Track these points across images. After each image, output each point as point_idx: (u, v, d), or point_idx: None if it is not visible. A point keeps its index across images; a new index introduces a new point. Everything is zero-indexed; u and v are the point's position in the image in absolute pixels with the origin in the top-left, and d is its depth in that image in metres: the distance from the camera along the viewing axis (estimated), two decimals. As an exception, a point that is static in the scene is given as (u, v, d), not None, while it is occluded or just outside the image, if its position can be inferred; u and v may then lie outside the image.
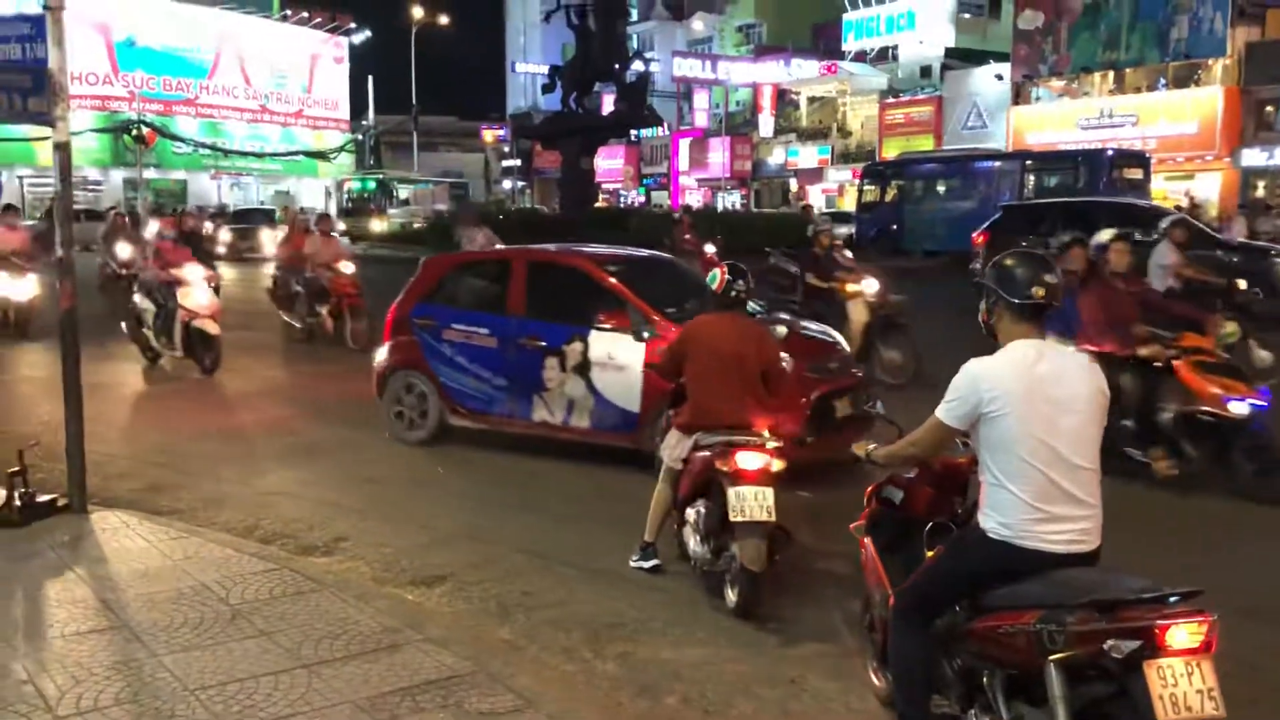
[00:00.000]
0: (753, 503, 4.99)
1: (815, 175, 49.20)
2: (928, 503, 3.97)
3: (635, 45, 50.90)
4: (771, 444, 5.29)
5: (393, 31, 75.26)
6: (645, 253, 9.57)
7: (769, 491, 5.05)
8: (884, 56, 48.90)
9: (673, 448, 5.55)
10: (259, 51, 56.94)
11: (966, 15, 47.58)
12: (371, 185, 47.61)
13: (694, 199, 52.47)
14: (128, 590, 5.10)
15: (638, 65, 34.83)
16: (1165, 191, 31.41)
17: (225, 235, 32.77)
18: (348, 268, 14.09)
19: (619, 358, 7.51)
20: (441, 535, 6.37)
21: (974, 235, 18.07)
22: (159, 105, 50.81)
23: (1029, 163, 28.18)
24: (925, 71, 46.64)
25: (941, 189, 29.39)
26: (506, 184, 67.52)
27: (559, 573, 5.71)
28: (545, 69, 38.54)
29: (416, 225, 39.08)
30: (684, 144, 55.08)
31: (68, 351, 6.31)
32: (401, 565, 5.81)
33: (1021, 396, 3.31)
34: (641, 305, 7.65)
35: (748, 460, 5.08)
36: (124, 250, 16.08)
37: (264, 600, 4.97)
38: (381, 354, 8.85)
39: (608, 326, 7.59)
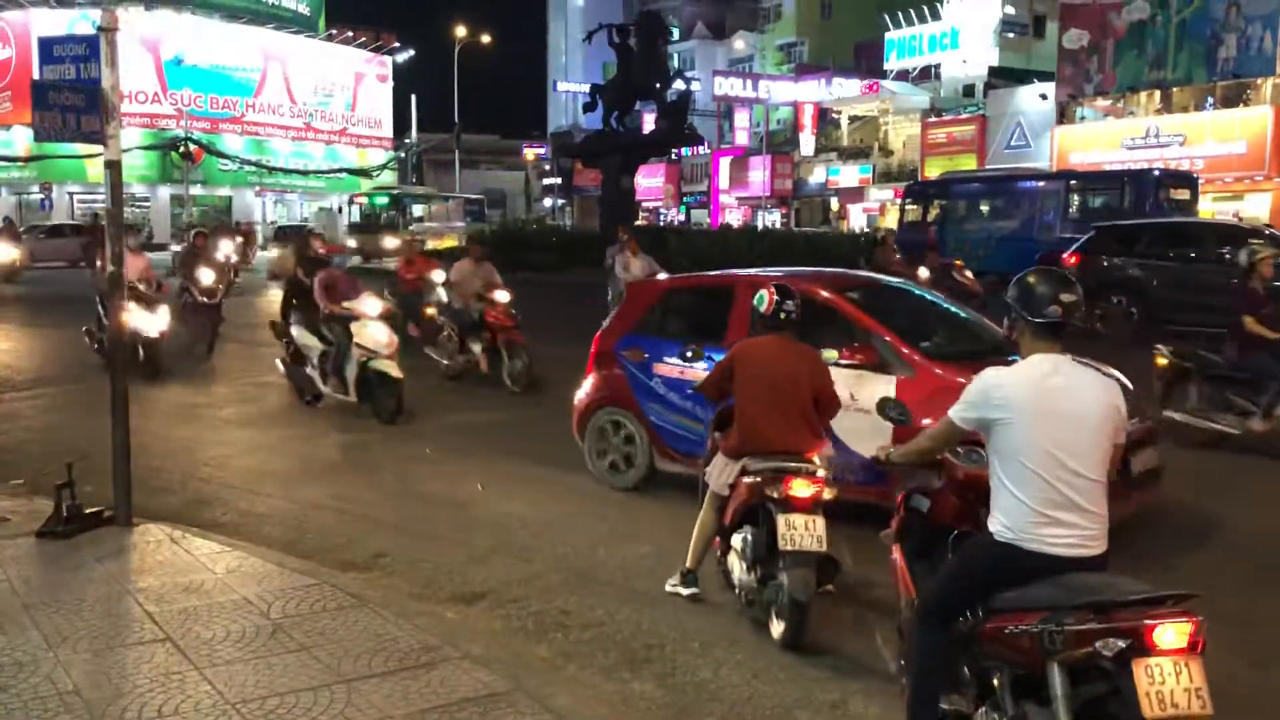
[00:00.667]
0: (803, 532, 4.88)
1: (856, 194, 49.04)
2: (953, 512, 4.04)
3: (676, 64, 51.00)
4: (822, 471, 5.18)
5: (436, 51, 76.31)
6: (887, 279, 8.68)
7: (820, 520, 4.95)
8: (926, 75, 48.76)
9: (719, 473, 5.42)
10: (304, 70, 57.77)
11: (1010, 34, 47.35)
12: (384, 201, 45.01)
13: (734, 217, 52.45)
14: (171, 603, 5.14)
15: (679, 84, 34.94)
16: (1214, 212, 31.00)
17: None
18: (503, 296, 12.35)
19: (864, 400, 6.27)
20: (480, 552, 6.37)
21: (1065, 256, 17.63)
22: (206, 123, 51.60)
23: (1073, 183, 27.83)
24: (968, 91, 46.43)
25: (984, 209, 29.13)
26: (547, 202, 67.90)
27: (598, 592, 5.69)
28: (586, 88, 38.76)
29: (433, 244, 37.30)
30: (724, 162, 55.11)
31: (115, 365, 6.40)
32: (440, 582, 5.82)
33: (1030, 408, 3.45)
34: (893, 338, 6.70)
35: (799, 488, 4.96)
36: (206, 276, 14.74)
37: (304, 615, 4.99)
38: (583, 389, 8.06)
39: (851, 363, 6.59)
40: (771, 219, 51.63)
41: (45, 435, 9.57)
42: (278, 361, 11.41)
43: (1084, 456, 3.45)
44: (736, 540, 5.35)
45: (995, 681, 3.52)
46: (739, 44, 60.63)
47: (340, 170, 56.32)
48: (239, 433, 9.93)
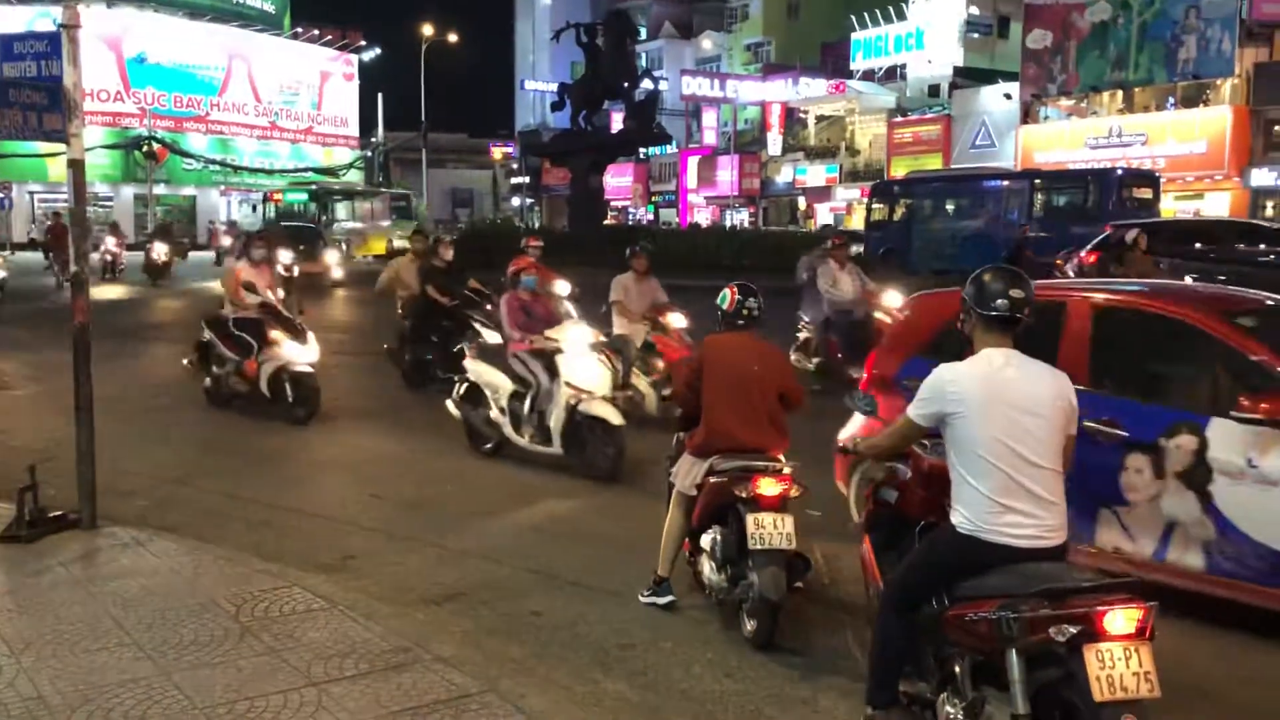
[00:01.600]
0: (771, 530, 4.88)
1: (823, 194, 49.25)
2: (920, 503, 4.11)
3: (644, 63, 50.97)
4: (788, 469, 5.15)
5: (403, 49, 75.87)
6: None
7: (789, 518, 4.95)
8: (892, 75, 49.02)
9: (686, 473, 5.36)
10: (269, 68, 57.34)
11: (975, 35, 47.66)
12: (303, 197, 41.73)
13: (702, 217, 52.55)
14: (137, 607, 5.08)
15: (647, 83, 34.92)
16: (1174, 211, 31.37)
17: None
18: (678, 321, 10.36)
19: (1269, 466, 4.87)
20: (451, 554, 6.35)
21: (1083, 254, 17.56)
22: (170, 122, 51.14)
23: (1038, 182, 28.14)
24: (934, 90, 46.71)
25: (950, 208, 29.36)
26: (515, 201, 67.73)
27: (569, 592, 5.69)
28: (555, 87, 38.64)
29: (361, 254, 34.63)
30: (693, 162, 55.22)
31: (79, 366, 6.32)
32: (411, 583, 5.79)
33: (983, 400, 3.56)
34: None
35: (767, 486, 4.95)
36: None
37: (273, 618, 4.95)
38: (852, 426, 6.61)
39: (1252, 415, 4.95)
40: (739, 218, 51.77)
41: (6, 437, 9.44)
42: (449, 404, 9.11)
43: (1038, 446, 3.55)
44: (706, 540, 5.32)
45: (956, 668, 3.62)
46: (706, 44, 60.70)
47: (306, 169, 55.91)
48: (206, 434, 9.83)
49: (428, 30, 55.23)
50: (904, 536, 4.14)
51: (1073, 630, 3.20)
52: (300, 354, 10.14)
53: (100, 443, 6.45)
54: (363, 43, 63.13)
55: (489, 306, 11.46)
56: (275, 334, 10.08)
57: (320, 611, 5.04)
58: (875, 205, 31.58)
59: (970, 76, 44.65)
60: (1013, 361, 3.63)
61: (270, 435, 9.81)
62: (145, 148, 44.23)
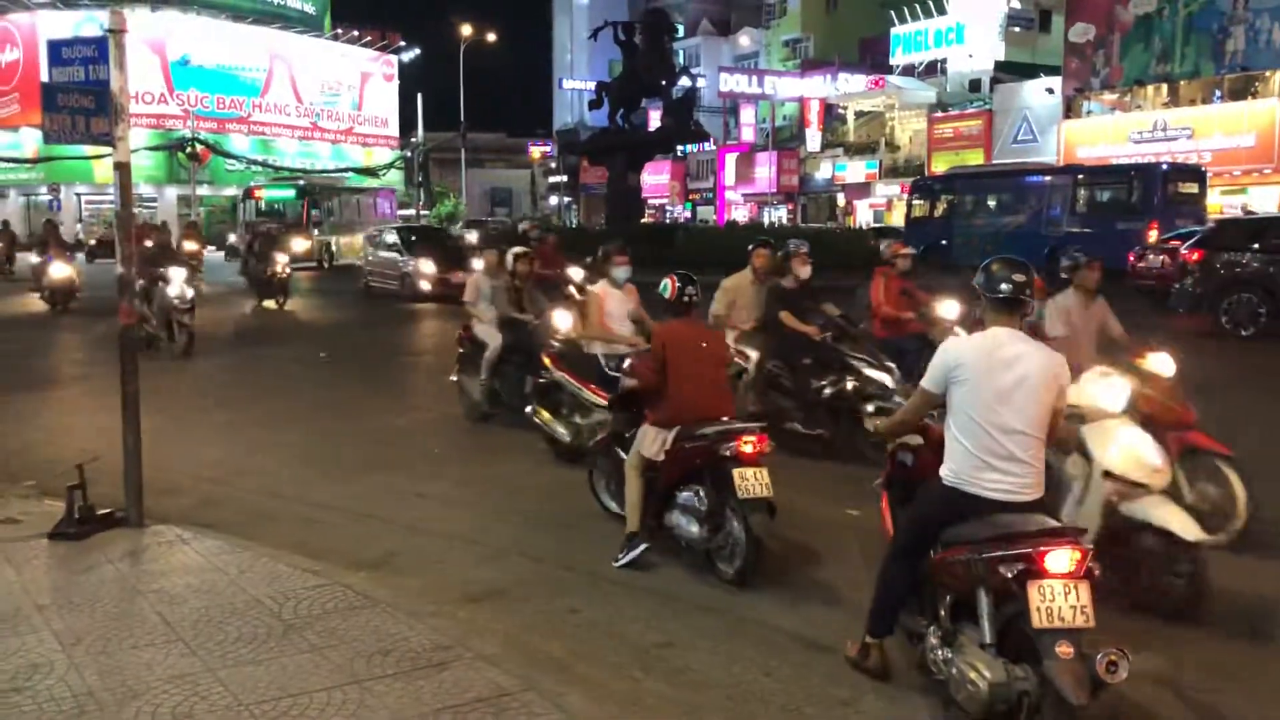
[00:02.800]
0: (753, 481, 5.61)
1: (863, 190, 48.98)
2: (931, 466, 4.48)
3: (682, 61, 51.01)
4: (758, 427, 5.87)
5: (442, 49, 76.17)
6: None
7: (765, 471, 5.69)
8: (932, 70, 48.65)
9: (652, 441, 5.98)
10: (310, 69, 57.87)
11: (1016, 29, 47.23)
12: (289, 195, 38.97)
13: (740, 214, 52.43)
14: (183, 604, 5.16)
15: (684, 81, 34.94)
16: (1221, 206, 30.92)
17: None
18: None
19: None
20: (490, 552, 6.39)
21: (1184, 251, 17.17)
22: (213, 123, 51.73)
23: (1081, 177, 27.82)
24: (974, 85, 46.31)
25: (992, 204, 29.10)
26: (553, 200, 67.94)
27: (607, 590, 5.70)
28: (592, 85, 38.76)
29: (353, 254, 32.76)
30: (730, 159, 55.11)
31: (126, 366, 6.42)
32: (451, 581, 5.83)
33: (980, 369, 4.09)
34: None
35: (748, 445, 5.67)
36: (564, 320, 9.05)
37: (316, 615, 5.01)
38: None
39: None
40: (778, 215, 51.62)
41: (56, 437, 9.60)
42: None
43: (1023, 414, 4.06)
44: (684, 497, 5.95)
45: (941, 606, 4.19)
46: (744, 40, 60.57)
47: (347, 170, 56.38)
48: (248, 433, 9.95)
49: (466, 30, 55.52)
50: (917, 494, 4.58)
51: (1019, 567, 3.73)
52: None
53: (146, 441, 6.55)
54: (402, 43, 63.68)
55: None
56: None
57: (362, 609, 5.09)
58: (916, 201, 31.37)
59: (1012, 71, 44.22)
60: (1014, 339, 4.14)
61: (312, 435, 9.90)
62: (189, 149, 44.77)
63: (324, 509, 7.30)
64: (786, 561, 5.98)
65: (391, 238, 25.33)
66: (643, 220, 37.05)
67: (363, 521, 7.01)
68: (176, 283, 14.87)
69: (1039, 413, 4.07)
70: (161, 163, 49.55)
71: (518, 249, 10.26)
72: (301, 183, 42.17)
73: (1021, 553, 3.75)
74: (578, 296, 10.45)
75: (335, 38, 61.15)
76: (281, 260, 22.37)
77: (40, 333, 18.47)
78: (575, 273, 13.72)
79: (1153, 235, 23.18)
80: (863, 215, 47.83)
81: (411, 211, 52.55)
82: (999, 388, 4.05)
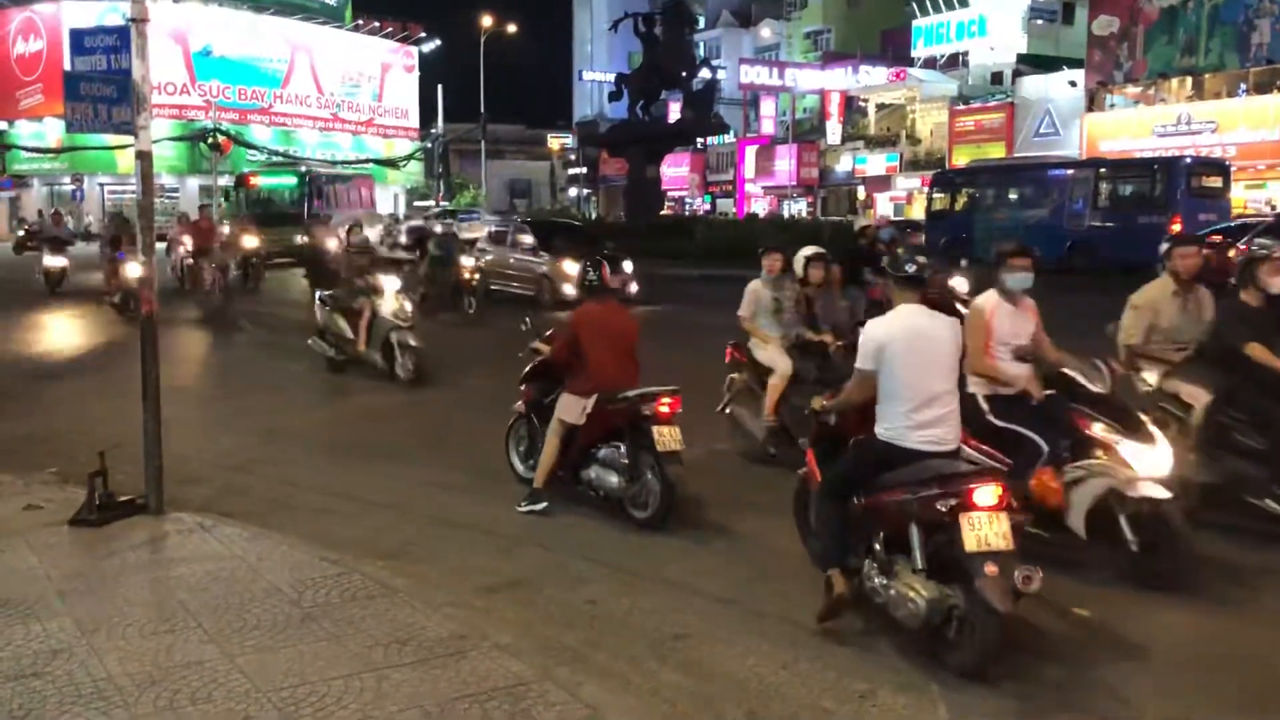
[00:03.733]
0: (668, 438, 6.50)
1: (883, 183, 48.79)
2: (853, 425, 5.20)
3: (702, 53, 50.90)
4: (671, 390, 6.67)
5: (462, 41, 76.25)
6: None
7: (678, 429, 6.58)
8: (954, 63, 48.41)
9: (573, 407, 6.82)
10: (331, 61, 58.04)
11: (1039, 21, 46.94)
12: (292, 182, 34.93)
13: (760, 207, 52.30)
14: (202, 591, 5.18)
15: (704, 73, 34.90)
16: (1245, 200, 30.65)
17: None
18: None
19: None
20: (508, 541, 6.39)
21: (1241, 245, 16.71)
22: (234, 114, 51.91)
23: (1103, 170, 27.62)
24: (996, 78, 46.06)
25: (1013, 197, 28.93)
26: (572, 192, 67.94)
27: (623, 582, 5.70)
28: (612, 77, 38.66)
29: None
30: (750, 151, 54.98)
31: (147, 355, 6.45)
32: (468, 571, 5.84)
33: (902, 342, 4.82)
34: None
35: (665, 405, 6.57)
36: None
37: (334, 604, 5.02)
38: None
39: None
40: (797, 208, 51.48)
41: (77, 424, 9.66)
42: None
43: (939, 374, 4.86)
44: (604, 453, 6.84)
45: (875, 542, 4.90)
46: (765, 32, 60.39)
47: (367, 161, 56.54)
48: (265, 420, 9.99)
49: (487, 22, 55.57)
50: (839, 449, 5.28)
51: (953, 502, 4.47)
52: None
53: (166, 429, 6.58)
54: (423, 34, 63.71)
55: None
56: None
57: (380, 598, 5.10)
58: (936, 195, 31.22)
59: (1034, 64, 43.96)
60: (920, 313, 4.92)
61: (331, 425, 9.94)
62: (210, 139, 44.87)
63: (342, 498, 7.31)
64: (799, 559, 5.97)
65: (527, 236, 20.84)
66: (662, 213, 36.93)
67: (381, 511, 7.03)
68: (390, 295, 11.91)
69: (951, 371, 4.93)
70: (183, 153, 49.78)
71: (810, 249, 8.54)
72: (303, 169, 39.03)
73: (953, 490, 4.51)
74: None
75: (356, 29, 61.30)
76: (468, 264, 18.38)
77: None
78: (959, 283, 10.38)
79: (1176, 229, 23.01)
80: (883, 208, 47.63)
81: (431, 202, 52.66)
82: (918, 354, 4.81)
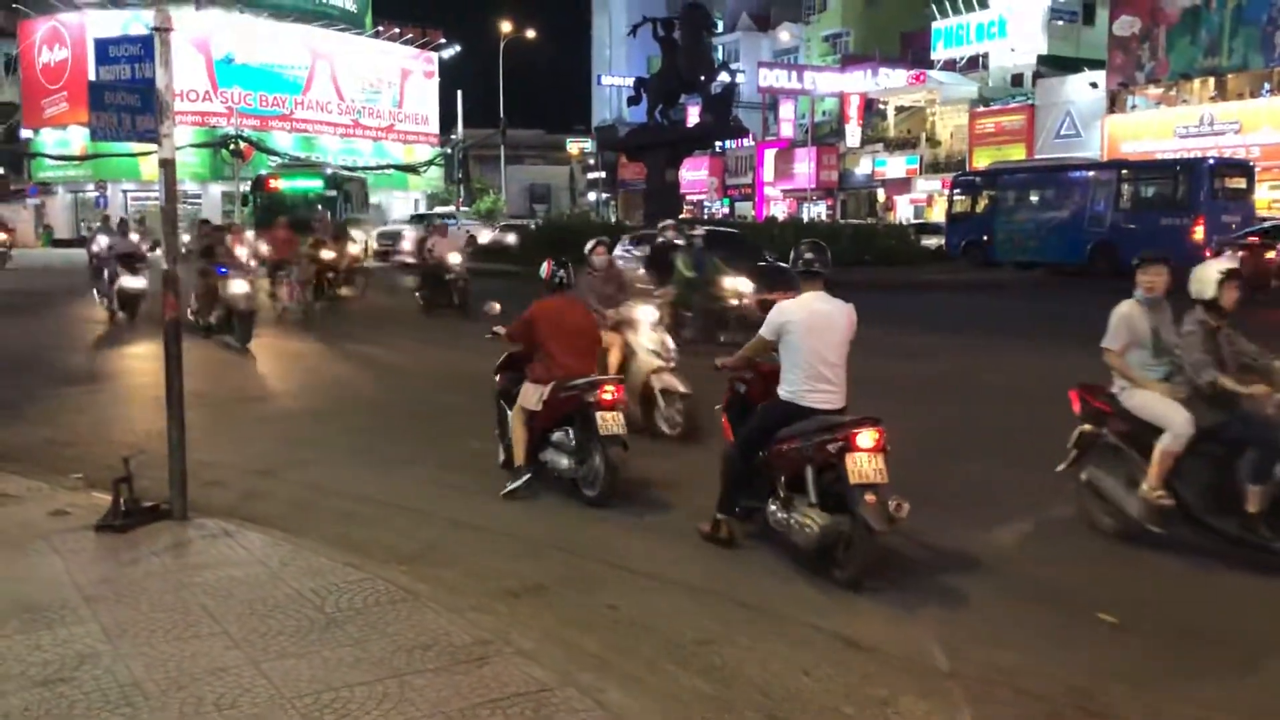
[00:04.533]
0: (611, 423, 7.08)
1: (903, 185, 48.67)
2: (760, 393, 6.38)
3: (721, 56, 50.95)
4: (618, 379, 7.52)
5: (481, 46, 76.47)
6: None
7: (621, 415, 7.18)
8: (974, 65, 48.25)
9: (532, 394, 7.42)
10: (352, 67, 58.32)
11: (1059, 22, 46.74)
12: (318, 185, 32.71)
13: (779, 210, 52.22)
14: (226, 597, 5.21)
15: (723, 76, 34.85)
16: (1269, 201, 30.41)
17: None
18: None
19: None
20: (529, 546, 6.41)
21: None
22: (255, 120, 52.23)
23: (1125, 172, 27.47)
24: (1017, 80, 45.88)
25: (1034, 199, 28.82)
26: (591, 196, 68.03)
27: (644, 586, 5.71)
28: (631, 82, 38.67)
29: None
30: (769, 155, 54.93)
31: (170, 361, 6.49)
32: (490, 575, 5.85)
33: (803, 321, 5.92)
34: None
35: (609, 393, 7.16)
36: None
37: (357, 609, 5.04)
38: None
39: None
40: (817, 211, 51.37)
41: (103, 430, 9.74)
42: None
43: (833, 350, 5.94)
44: (556, 437, 7.47)
45: (777, 485, 5.95)
46: (784, 35, 60.32)
47: (388, 167, 56.76)
48: (290, 427, 10.04)
49: (506, 27, 55.74)
50: (749, 413, 6.35)
51: (840, 444, 5.52)
52: None
53: (189, 435, 6.63)
54: (442, 40, 63.99)
55: None
56: None
57: (403, 603, 5.12)
58: (957, 197, 31.15)
59: (1055, 65, 43.76)
60: (820, 299, 6.00)
61: (351, 430, 9.98)
62: (232, 146, 45.24)
63: (365, 503, 7.34)
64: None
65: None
66: (680, 216, 36.91)
67: (403, 515, 7.05)
68: (646, 328, 9.56)
69: (843, 348, 5.98)
70: (206, 160, 50.14)
71: (1224, 262, 6.54)
72: (329, 171, 37.47)
73: (840, 435, 5.55)
74: None
75: (376, 35, 61.58)
76: (731, 285, 14.65)
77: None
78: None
79: (1199, 232, 22.87)
80: (903, 211, 47.50)
81: (451, 208, 52.81)
82: (817, 332, 5.89)
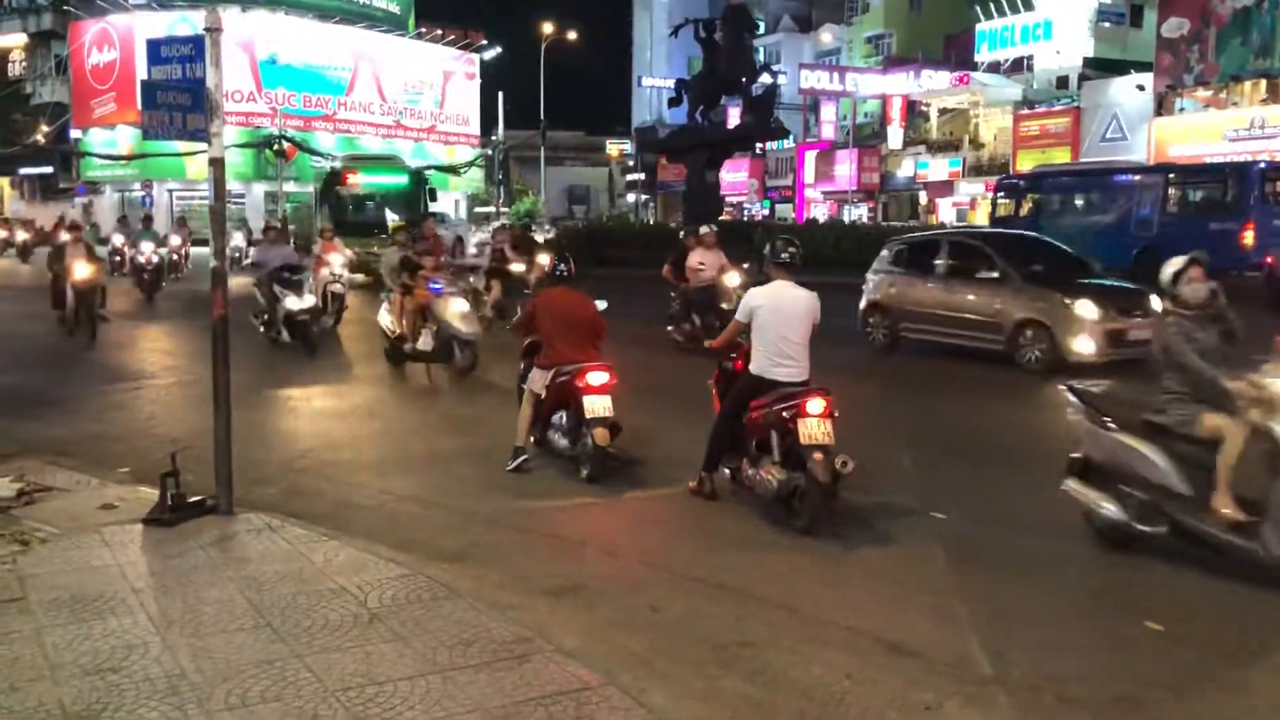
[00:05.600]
0: (599, 407, 7.64)
1: (945, 188, 48.22)
2: (745, 368, 7.14)
3: (762, 58, 50.73)
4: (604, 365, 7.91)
5: (523, 48, 76.71)
6: None
7: (609, 398, 7.72)
8: (1018, 67, 47.70)
9: (537, 380, 8.04)
10: (394, 68, 58.64)
11: (1106, 24, 46.11)
12: (403, 180, 28.39)
13: (820, 212, 51.96)
14: (271, 590, 5.27)
15: (765, 78, 34.71)
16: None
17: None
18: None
19: None
20: (570, 545, 6.42)
21: None
22: (299, 121, 52.62)
23: (1172, 176, 27.04)
24: (1062, 82, 45.32)
25: (1080, 203, 28.42)
26: (630, 198, 68.05)
27: (685, 588, 5.69)
28: (672, 83, 38.68)
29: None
30: (810, 156, 54.64)
31: (218, 358, 6.57)
32: (532, 574, 5.86)
33: (770, 307, 6.85)
34: None
35: (595, 377, 7.72)
36: None
37: (400, 605, 5.08)
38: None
39: None
40: (858, 213, 51.05)
41: (150, 425, 9.87)
42: None
43: (795, 330, 6.86)
44: (555, 418, 8.09)
45: (751, 446, 6.87)
46: (826, 37, 59.98)
47: (430, 168, 57.01)
48: (333, 424, 10.12)
49: (547, 29, 55.85)
50: (735, 384, 7.21)
51: (792, 410, 6.48)
52: None
53: (235, 431, 6.70)
54: (484, 42, 64.16)
55: None
56: None
57: (445, 600, 5.15)
58: (1001, 200, 30.78)
59: (1101, 67, 43.15)
60: (788, 287, 6.93)
61: (391, 431, 10.04)
62: (275, 146, 45.63)
63: (407, 500, 7.39)
64: (864, 564, 5.92)
65: (971, 258, 14.14)
66: (720, 218, 36.85)
67: (445, 513, 7.10)
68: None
69: (805, 329, 6.89)
70: (250, 160, 50.59)
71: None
72: (411, 166, 32.49)
73: (794, 403, 6.52)
74: None
75: (419, 37, 61.91)
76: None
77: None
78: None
79: (1249, 237, 22.50)
80: (945, 214, 47.08)
81: (491, 209, 53.04)
82: (782, 315, 6.81)
